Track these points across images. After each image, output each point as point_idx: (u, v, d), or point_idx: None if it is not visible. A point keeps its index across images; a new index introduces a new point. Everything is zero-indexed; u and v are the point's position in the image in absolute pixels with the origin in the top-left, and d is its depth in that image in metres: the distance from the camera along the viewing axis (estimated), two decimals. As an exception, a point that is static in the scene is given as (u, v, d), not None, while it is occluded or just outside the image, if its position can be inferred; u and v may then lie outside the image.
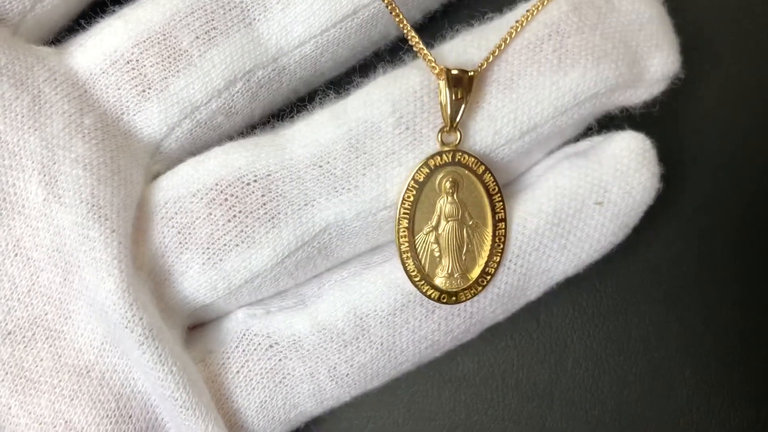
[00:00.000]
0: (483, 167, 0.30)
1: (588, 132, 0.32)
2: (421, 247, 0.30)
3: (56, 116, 0.29)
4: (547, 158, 0.32)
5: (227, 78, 0.30)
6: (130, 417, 0.29)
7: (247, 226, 0.29)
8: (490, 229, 0.30)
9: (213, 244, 0.29)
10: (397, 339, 0.30)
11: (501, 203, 0.30)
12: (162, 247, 0.30)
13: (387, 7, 0.30)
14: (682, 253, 0.35)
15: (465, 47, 0.31)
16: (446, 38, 0.32)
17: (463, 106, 0.29)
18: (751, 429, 0.35)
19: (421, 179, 0.30)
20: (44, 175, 0.28)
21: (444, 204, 0.30)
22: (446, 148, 0.30)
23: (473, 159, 0.30)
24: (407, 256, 0.30)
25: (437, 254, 0.30)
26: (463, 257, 0.30)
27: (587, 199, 0.30)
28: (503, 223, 0.30)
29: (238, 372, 0.30)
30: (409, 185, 0.30)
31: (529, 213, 0.30)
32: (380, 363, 0.31)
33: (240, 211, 0.29)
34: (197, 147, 0.31)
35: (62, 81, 0.30)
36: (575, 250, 0.31)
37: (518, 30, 0.30)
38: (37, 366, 0.29)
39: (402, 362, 0.31)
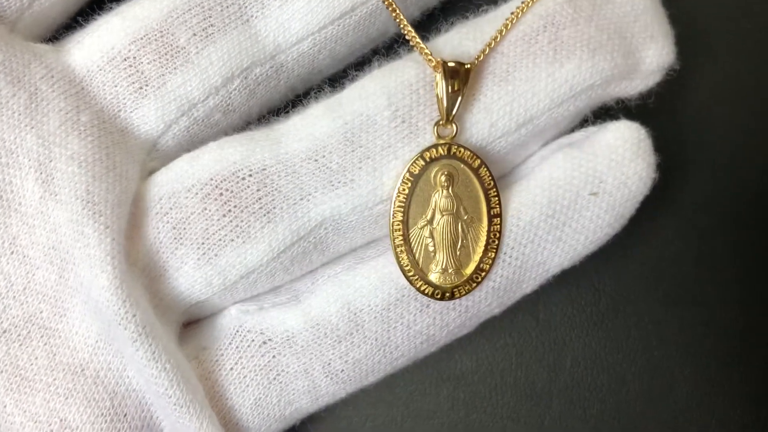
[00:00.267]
0: (479, 161, 0.30)
1: (584, 124, 0.32)
2: (416, 241, 0.30)
3: (53, 114, 0.29)
4: (541, 149, 0.32)
5: (225, 75, 0.30)
6: (125, 415, 0.29)
7: (242, 221, 0.29)
8: (485, 225, 0.30)
9: (208, 239, 0.29)
10: (391, 334, 0.30)
11: (497, 198, 0.30)
12: (157, 243, 0.29)
13: (384, 3, 0.30)
14: (681, 253, 0.35)
15: (460, 40, 0.30)
16: (441, 31, 0.31)
17: (459, 98, 0.29)
18: (751, 428, 0.34)
19: (416, 172, 0.29)
20: (40, 173, 0.28)
21: (439, 198, 0.30)
22: (442, 141, 0.29)
23: (469, 152, 0.29)
24: (401, 250, 0.30)
25: (431, 249, 0.30)
26: (458, 252, 0.30)
27: (582, 190, 0.30)
28: (498, 219, 0.30)
29: (231, 369, 0.30)
30: (404, 178, 0.29)
31: (523, 205, 0.30)
32: (375, 358, 0.30)
33: (235, 206, 0.29)
34: (194, 144, 0.31)
35: (59, 78, 0.29)
36: (571, 242, 0.30)
37: (513, 22, 0.30)
38: (32, 364, 0.29)
39: (397, 357, 0.31)
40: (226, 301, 0.31)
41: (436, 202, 0.30)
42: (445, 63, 0.29)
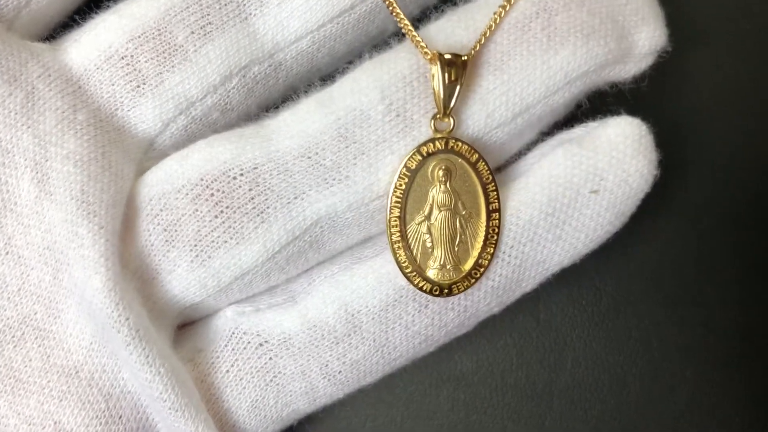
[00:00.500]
0: (476, 155, 0.29)
1: (578, 109, 0.31)
2: (413, 237, 0.29)
3: (49, 113, 0.28)
4: (540, 145, 0.31)
5: (223, 73, 0.30)
6: (120, 417, 0.28)
7: (235, 222, 0.29)
8: (483, 220, 0.29)
9: (200, 241, 0.29)
10: (389, 335, 0.30)
11: (495, 193, 0.29)
12: (148, 246, 0.29)
13: (384, 1, 0.30)
14: (682, 253, 0.35)
15: (452, 28, 0.30)
16: (431, 19, 0.31)
17: (456, 91, 0.29)
18: (751, 429, 0.34)
19: (413, 167, 0.29)
20: (36, 173, 0.28)
21: (437, 193, 0.29)
22: (439, 135, 0.29)
23: (467, 146, 0.29)
24: (398, 247, 0.29)
25: (429, 245, 0.29)
26: (456, 248, 0.29)
27: (582, 188, 0.29)
28: (497, 214, 0.29)
29: (227, 371, 0.29)
30: (400, 173, 0.29)
31: (522, 203, 0.29)
32: (373, 359, 0.30)
33: (227, 207, 0.29)
34: (192, 143, 0.30)
35: (56, 77, 0.29)
36: (571, 241, 0.30)
37: (507, 9, 0.29)
38: (26, 366, 0.28)
39: (395, 358, 0.30)
40: (221, 303, 0.30)
41: (433, 197, 0.29)
42: (441, 55, 0.29)
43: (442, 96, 0.29)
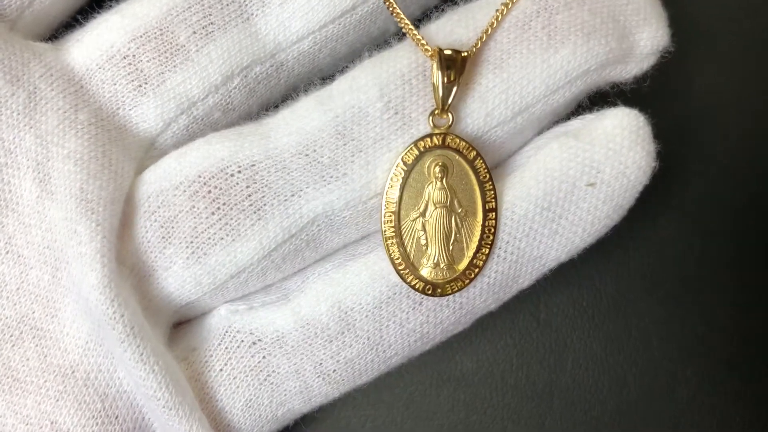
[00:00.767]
0: (474, 152, 0.28)
1: (579, 109, 0.31)
2: (407, 233, 0.29)
3: (51, 113, 0.28)
4: (536, 138, 0.30)
5: (225, 73, 0.29)
6: (117, 417, 0.28)
7: (231, 219, 0.28)
8: (479, 219, 0.29)
9: (197, 238, 0.28)
10: (384, 333, 0.29)
11: (492, 192, 0.28)
12: (145, 243, 0.28)
13: (384, 1, 0.29)
14: (682, 253, 0.34)
15: (452, 27, 0.29)
16: (432, 18, 0.30)
17: (455, 87, 0.28)
18: (752, 429, 0.34)
19: (410, 162, 0.28)
20: (38, 173, 0.28)
21: (433, 189, 0.29)
22: (437, 131, 0.28)
23: (464, 143, 0.28)
24: (392, 243, 0.28)
25: (424, 242, 0.29)
26: (451, 247, 0.29)
27: (579, 181, 0.29)
28: (493, 214, 0.28)
29: (221, 370, 0.29)
30: (396, 167, 0.28)
31: (517, 197, 0.29)
32: (368, 358, 0.29)
33: (224, 204, 0.28)
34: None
35: (58, 77, 0.29)
36: (568, 235, 0.29)
37: (508, 7, 0.29)
38: (23, 365, 0.28)
39: (391, 356, 0.30)
40: (216, 301, 0.30)
41: (429, 194, 0.29)
42: (441, 51, 0.28)
43: (441, 92, 0.28)
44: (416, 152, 0.28)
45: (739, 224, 0.34)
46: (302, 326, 0.29)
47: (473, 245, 0.29)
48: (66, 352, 0.28)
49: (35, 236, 0.28)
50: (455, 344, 0.31)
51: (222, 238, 0.28)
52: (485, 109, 0.29)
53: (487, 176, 0.29)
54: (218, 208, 0.28)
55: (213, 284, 0.29)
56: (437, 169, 0.28)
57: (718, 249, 0.34)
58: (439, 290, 0.29)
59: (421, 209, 0.29)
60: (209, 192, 0.28)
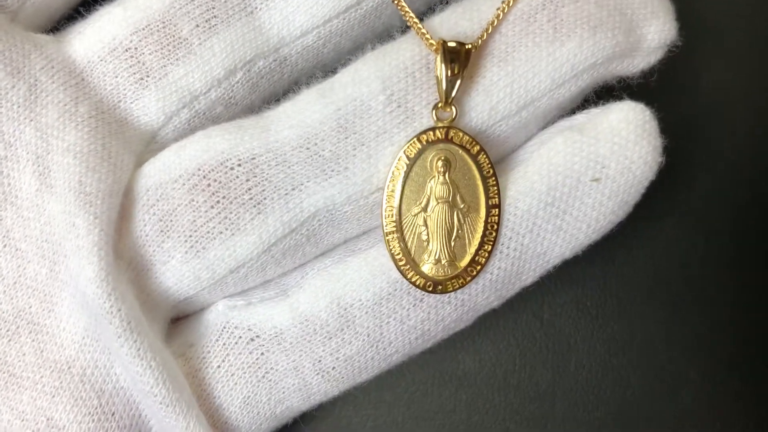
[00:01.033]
0: (477, 147, 0.28)
1: (585, 104, 0.30)
2: (408, 228, 0.28)
3: (52, 105, 0.28)
4: (540, 133, 0.30)
5: (227, 67, 0.29)
6: (113, 414, 0.28)
7: (231, 213, 0.28)
8: (482, 215, 0.28)
9: (196, 231, 0.28)
10: (384, 330, 0.29)
11: (495, 187, 0.28)
12: (143, 236, 0.28)
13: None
14: (686, 254, 0.34)
15: (456, 20, 0.29)
16: (436, 11, 0.30)
17: (459, 81, 0.27)
18: (759, 429, 0.33)
19: (412, 155, 0.28)
20: (38, 166, 0.27)
21: (435, 184, 0.28)
22: (440, 124, 0.28)
23: (467, 137, 0.28)
24: (392, 238, 0.28)
25: (425, 238, 0.28)
26: (453, 243, 0.28)
27: (583, 176, 0.28)
28: (496, 209, 0.28)
29: (219, 367, 0.29)
30: (398, 162, 0.28)
31: (521, 193, 0.28)
32: (368, 355, 0.29)
33: (223, 197, 0.28)
34: (192, 136, 0.30)
35: (59, 69, 0.28)
36: (572, 231, 0.28)
37: (513, 0, 0.28)
38: (19, 361, 0.28)
39: (391, 354, 0.29)
40: (215, 296, 0.29)
41: (431, 189, 0.28)
42: (445, 43, 0.28)
43: (444, 85, 0.27)
44: (419, 146, 0.28)
45: (744, 225, 0.34)
46: (301, 322, 0.29)
47: (475, 241, 0.28)
48: (62, 347, 0.28)
49: (33, 229, 0.27)
50: (458, 343, 0.31)
51: (221, 232, 0.28)
52: (490, 102, 0.28)
53: (491, 171, 0.28)
54: (218, 202, 0.28)
55: (212, 279, 0.28)
56: (440, 163, 0.28)
57: (722, 250, 0.34)
58: (441, 287, 0.28)
59: (423, 204, 0.28)
60: (208, 185, 0.28)
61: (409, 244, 0.28)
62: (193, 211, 0.28)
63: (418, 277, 0.28)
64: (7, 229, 0.28)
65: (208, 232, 0.28)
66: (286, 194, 0.28)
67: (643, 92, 0.30)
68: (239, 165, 0.28)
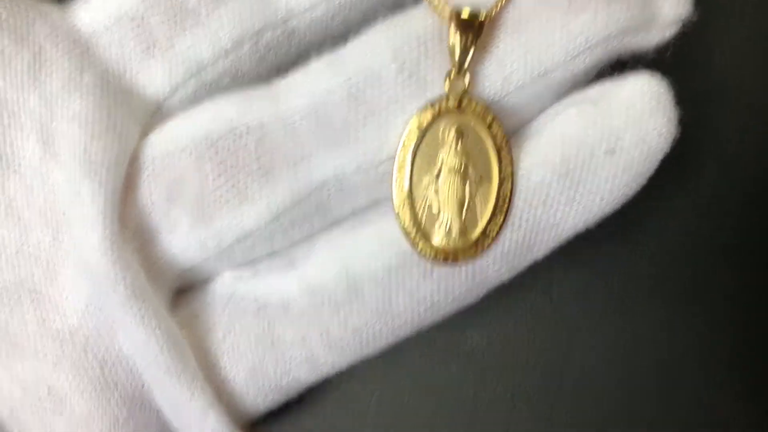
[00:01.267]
0: (491, 116, 0.27)
1: (599, 77, 0.30)
2: (419, 200, 0.27)
3: (56, 74, 0.27)
4: (554, 105, 0.29)
5: (235, 38, 0.28)
6: (116, 384, 0.27)
7: (239, 181, 0.27)
8: (495, 186, 0.27)
9: (203, 200, 0.27)
10: (393, 301, 0.28)
11: (508, 158, 0.27)
12: (149, 204, 0.27)
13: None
14: (690, 252, 0.33)
15: None
16: None
17: (472, 50, 0.27)
18: (759, 429, 0.33)
19: (424, 125, 0.27)
20: (42, 134, 0.27)
21: (447, 155, 0.27)
22: (453, 93, 0.27)
23: (481, 106, 0.27)
24: (403, 208, 0.27)
25: (436, 209, 0.27)
26: (464, 214, 0.27)
27: (597, 148, 0.27)
28: (509, 180, 0.27)
29: (224, 337, 0.28)
30: (410, 131, 0.27)
31: (534, 164, 0.28)
32: (376, 327, 0.28)
33: (231, 165, 0.27)
34: (200, 106, 0.29)
35: (64, 38, 0.28)
36: (585, 203, 0.28)
37: None
38: (21, 330, 0.27)
39: (399, 326, 0.28)
40: (221, 266, 0.29)
41: (443, 159, 0.27)
42: (458, 13, 0.27)
43: (457, 54, 0.27)
44: (430, 115, 0.27)
45: (749, 223, 0.34)
46: (308, 293, 0.28)
47: (487, 213, 0.27)
48: (65, 316, 0.27)
49: (37, 198, 0.27)
50: (466, 320, 0.30)
51: (228, 201, 0.27)
52: (503, 72, 0.28)
53: (504, 142, 0.27)
54: (225, 170, 0.27)
55: (218, 248, 0.28)
56: (452, 133, 0.27)
57: (727, 247, 0.33)
58: (451, 258, 0.27)
59: (434, 174, 0.27)
60: (216, 153, 0.27)
61: (419, 215, 0.27)
62: (201, 179, 0.27)
63: (428, 248, 0.27)
64: (10, 197, 0.27)
65: (216, 201, 0.27)
66: (295, 163, 0.27)
67: (658, 66, 0.29)
68: (248, 133, 0.27)
